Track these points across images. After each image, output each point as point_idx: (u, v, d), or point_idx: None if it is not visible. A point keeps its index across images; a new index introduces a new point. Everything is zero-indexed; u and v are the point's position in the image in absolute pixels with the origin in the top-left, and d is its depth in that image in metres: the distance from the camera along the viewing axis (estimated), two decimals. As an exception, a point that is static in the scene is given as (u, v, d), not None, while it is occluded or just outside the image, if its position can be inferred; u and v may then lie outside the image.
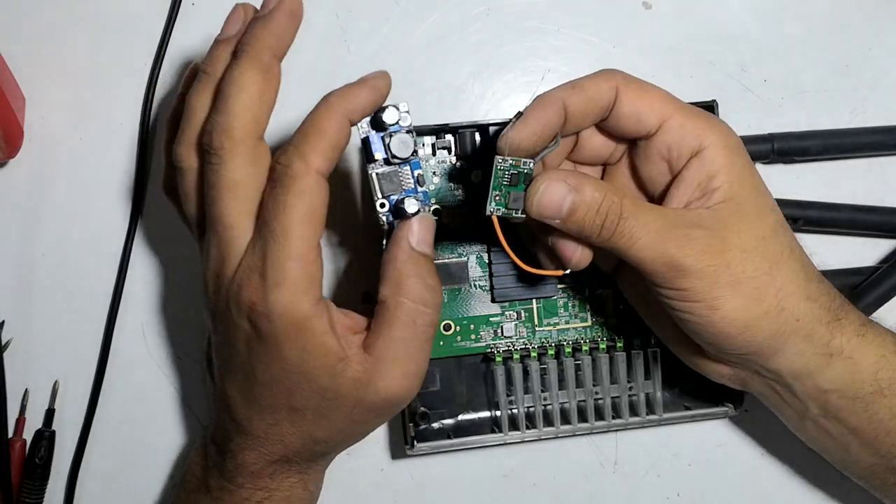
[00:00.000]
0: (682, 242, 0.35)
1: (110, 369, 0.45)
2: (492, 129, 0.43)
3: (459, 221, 0.44)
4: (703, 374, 0.41)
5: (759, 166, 0.48)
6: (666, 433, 0.47)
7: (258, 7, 0.36)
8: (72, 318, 0.45)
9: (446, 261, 0.44)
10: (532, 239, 0.40)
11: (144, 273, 0.45)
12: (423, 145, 0.44)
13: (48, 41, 0.45)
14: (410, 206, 0.36)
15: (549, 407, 0.44)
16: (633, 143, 0.39)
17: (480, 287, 0.45)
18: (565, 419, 0.44)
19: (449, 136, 0.44)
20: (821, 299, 0.37)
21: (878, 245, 0.49)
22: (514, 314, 0.45)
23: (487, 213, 0.37)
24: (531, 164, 0.36)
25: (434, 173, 0.44)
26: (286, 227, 0.33)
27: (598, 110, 0.37)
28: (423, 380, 0.36)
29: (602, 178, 0.41)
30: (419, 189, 0.37)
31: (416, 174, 0.37)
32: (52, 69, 0.45)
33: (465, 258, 0.45)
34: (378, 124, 0.37)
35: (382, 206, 0.37)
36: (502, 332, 0.45)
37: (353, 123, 0.35)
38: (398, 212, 0.37)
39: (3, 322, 0.44)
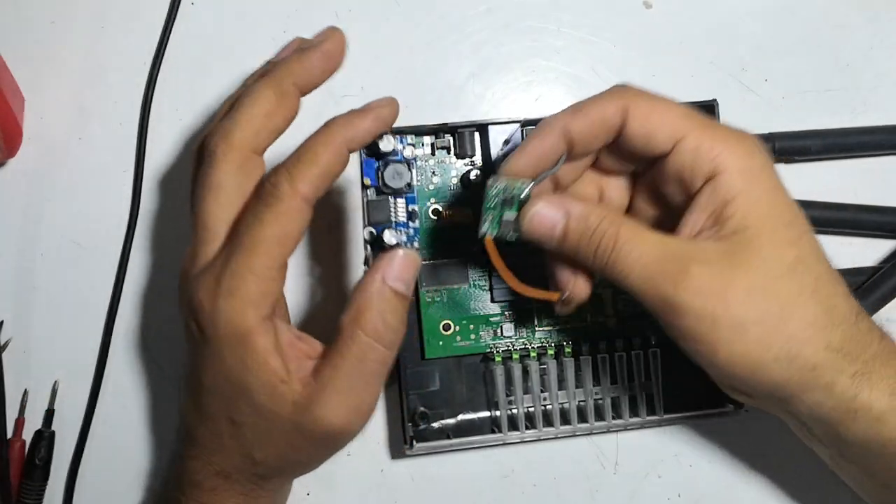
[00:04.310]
0: (678, 279, 0.33)
1: (110, 369, 0.45)
2: (491, 128, 0.43)
3: (459, 221, 0.44)
4: (730, 395, 0.39)
5: (760, 166, 0.48)
6: (667, 433, 0.47)
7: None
8: (71, 318, 0.45)
9: (446, 260, 0.44)
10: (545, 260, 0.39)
11: (144, 273, 0.45)
12: (423, 145, 0.44)
13: (47, 41, 0.45)
14: (388, 238, 0.35)
15: (548, 407, 0.44)
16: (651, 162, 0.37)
17: (480, 287, 0.44)
18: (565, 419, 0.44)
19: (448, 136, 0.44)
20: (846, 347, 0.34)
21: (879, 245, 0.49)
22: (514, 314, 0.45)
23: (480, 234, 0.36)
24: (528, 186, 0.35)
25: (433, 173, 0.44)
26: (255, 242, 0.33)
27: (606, 133, 0.35)
28: (368, 417, 0.35)
29: (633, 189, 0.39)
30: (410, 225, 0.36)
31: (410, 209, 0.36)
32: (51, 69, 0.45)
33: (465, 258, 0.44)
34: (374, 151, 0.36)
35: (370, 234, 0.36)
36: (502, 332, 0.44)
37: (353, 151, 0.35)
38: (377, 242, 0.36)
39: (3, 322, 0.44)
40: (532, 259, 0.38)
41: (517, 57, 0.47)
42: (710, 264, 0.33)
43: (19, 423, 0.44)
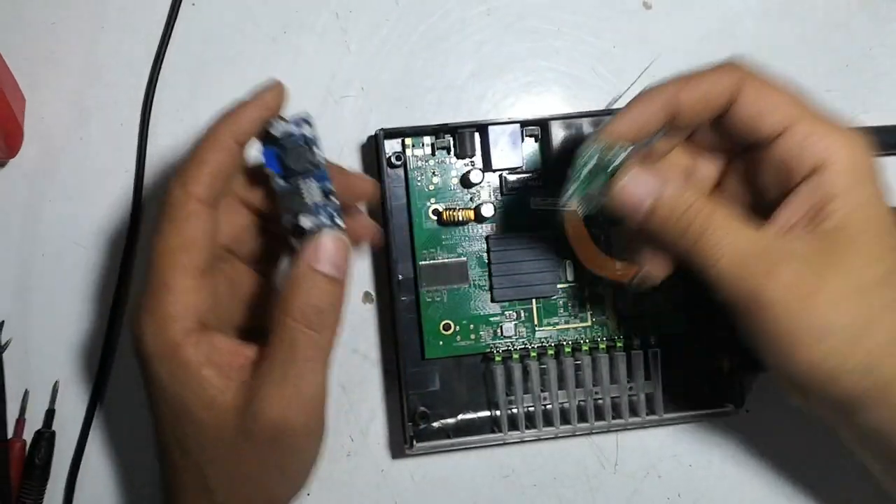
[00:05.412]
0: (767, 275, 0.32)
1: (110, 370, 0.45)
2: (491, 128, 0.43)
3: (459, 221, 0.44)
4: (791, 396, 0.37)
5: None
6: (666, 433, 0.47)
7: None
8: (72, 318, 0.45)
9: (446, 261, 0.44)
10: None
11: (144, 273, 0.45)
12: (423, 145, 0.44)
13: (48, 40, 0.45)
14: (304, 221, 0.34)
15: (548, 407, 0.44)
16: (752, 146, 0.35)
17: (480, 287, 0.44)
18: (565, 419, 0.44)
19: (448, 136, 0.44)
20: None
21: (879, 245, 0.49)
22: (514, 314, 0.45)
23: (562, 204, 0.34)
24: (625, 152, 0.33)
25: (433, 173, 0.44)
26: (160, 255, 0.33)
27: (714, 108, 0.34)
28: (313, 409, 0.33)
29: (726, 167, 0.38)
30: (329, 204, 0.34)
31: (323, 187, 0.34)
32: (51, 69, 0.45)
33: (465, 258, 0.45)
34: (268, 139, 0.34)
35: (289, 225, 0.34)
36: (502, 331, 0.44)
37: (243, 143, 0.34)
38: (297, 231, 0.34)
39: (3, 322, 0.44)
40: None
41: (517, 57, 0.47)
42: (801, 262, 0.32)
43: (20, 423, 0.44)
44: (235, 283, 0.37)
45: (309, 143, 0.34)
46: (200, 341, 0.32)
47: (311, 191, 0.34)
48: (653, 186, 0.33)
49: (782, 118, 0.33)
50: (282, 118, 0.34)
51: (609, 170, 0.33)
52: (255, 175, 0.36)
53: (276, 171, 0.34)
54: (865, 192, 0.33)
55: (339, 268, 0.33)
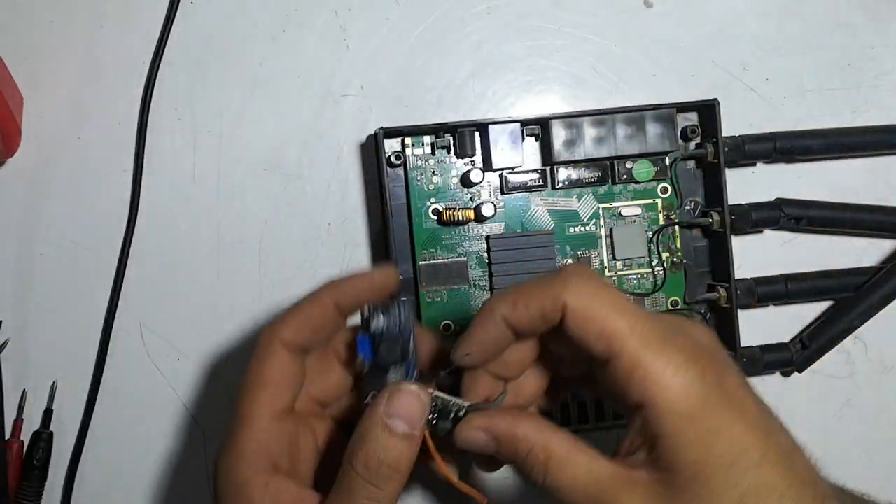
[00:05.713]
0: None
1: (108, 370, 0.45)
2: (491, 127, 0.43)
3: (459, 220, 0.44)
4: None
5: (762, 165, 0.48)
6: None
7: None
8: (70, 318, 0.45)
9: (446, 261, 0.44)
10: None
11: (142, 273, 0.45)
12: (423, 145, 0.44)
13: (46, 40, 0.45)
14: (392, 375, 0.35)
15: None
16: None
17: (480, 287, 0.44)
18: (566, 419, 0.44)
19: (448, 135, 0.44)
20: None
21: (881, 245, 0.49)
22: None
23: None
24: (461, 407, 0.34)
25: (433, 173, 0.44)
26: (241, 391, 0.34)
27: (546, 325, 0.32)
28: None
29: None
30: None
31: (408, 374, 0.36)
32: (50, 68, 0.45)
33: (465, 258, 0.44)
34: (366, 327, 0.36)
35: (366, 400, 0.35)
36: (502, 332, 0.44)
37: (343, 310, 0.35)
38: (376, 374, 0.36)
39: (1, 322, 0.44)
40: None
41: (517, 56, 0.47)
42: (643, 497, 0.30)
43: (17, 423, 0.43)
44: (321, 440, 0.37)
45: (403, 330, 0.35)
46: (269, 483, 0.33)
47: (398, 376, 0.36)
48: (487, 439, 0.33)
49: (605, 347, 0.31)
50: (382, 311, 0.36)
51: (452, 417, 0.34)
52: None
53: (367, 358, 0.36)
54: (694, 432, 0.30)
55: (413, 425, 0.32)
